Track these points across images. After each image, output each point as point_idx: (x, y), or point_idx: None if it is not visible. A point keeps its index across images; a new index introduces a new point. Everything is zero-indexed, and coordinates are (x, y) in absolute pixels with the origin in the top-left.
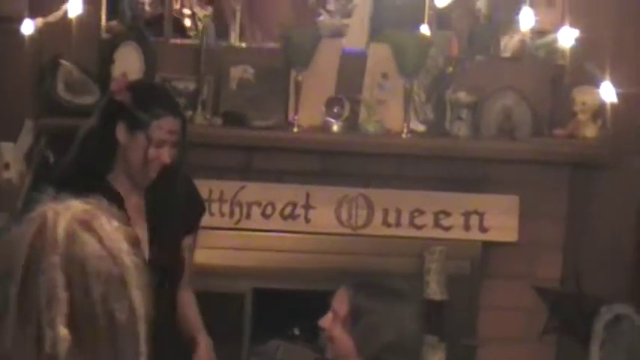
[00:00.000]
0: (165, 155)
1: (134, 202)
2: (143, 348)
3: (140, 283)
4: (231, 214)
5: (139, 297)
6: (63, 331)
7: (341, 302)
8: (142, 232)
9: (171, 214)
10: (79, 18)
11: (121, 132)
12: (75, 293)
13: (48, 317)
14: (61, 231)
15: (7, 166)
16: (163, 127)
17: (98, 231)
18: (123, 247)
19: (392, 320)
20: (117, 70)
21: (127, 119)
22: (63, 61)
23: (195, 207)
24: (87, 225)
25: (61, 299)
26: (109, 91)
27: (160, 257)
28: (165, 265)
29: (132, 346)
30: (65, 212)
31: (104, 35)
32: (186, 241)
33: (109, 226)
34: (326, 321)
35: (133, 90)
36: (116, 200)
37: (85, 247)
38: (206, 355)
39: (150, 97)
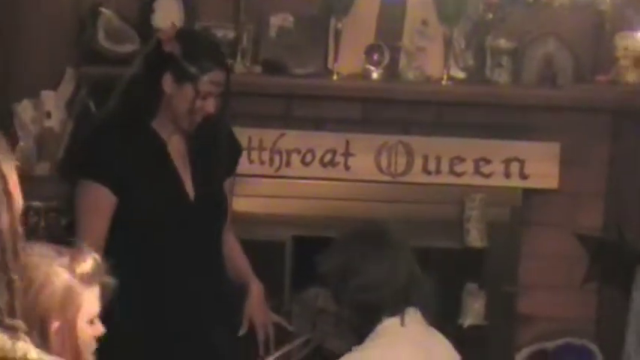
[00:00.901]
0: (211, 106)
1: (177, 145)
2: None
3: None
4: (271, 161)
5: None
6: None
7: None
8: (186, 174)
9: (214, 157)
10: None
11: (167, 82)
12: None
13: None
14: None
15: (48, 114)
16: (211, 80)
17: None
18: None
19: (356, 262)
20: (157, 19)
21: (174, 70)
22: (103, 9)
23: (234, 150)
24: None
25: None
26: (154, 40)
27: (205, 198)
28: (211, 206)
29: None
30: None
31: None
32: (227, 183)
33: None
34: None
35: (181, 40)
36: (159, 145)
37: None
38: (259, 299)
39: (199, 49)
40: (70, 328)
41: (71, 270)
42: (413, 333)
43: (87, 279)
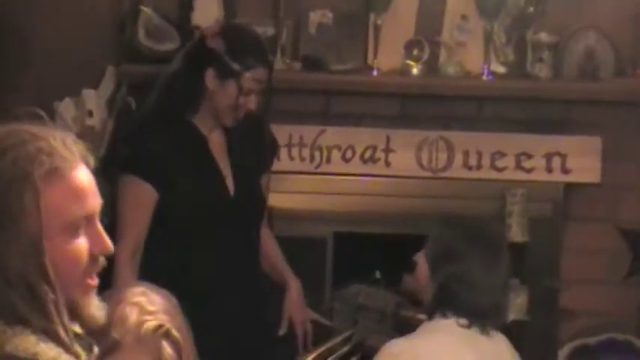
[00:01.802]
0: (253, 102)
1: (216, 140)
2: None
3: None
4: (312, 158)
5: None
6: None
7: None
8: (226, 169)
9: (253, 153)
10: None
11: (210, 78)
12: None
13: None
14: None
15: (90, 113)
16: (254, 77)
17: None
18: None
19: (462, 253)
20: (196, 16)
21: (217, 66)
22: (143, 8)
23: (272, 146)
24: None
25: None
26: (197, 36)
27: (244, 193)
28: (250, 200)
29: None
30: None
31: None
32: (264, 179)
33: None
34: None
35: (225, 37)
36: (201, 140)
37: None
38: (298, 297)
39: (242, 45)
40: None
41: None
42: (469, 335)
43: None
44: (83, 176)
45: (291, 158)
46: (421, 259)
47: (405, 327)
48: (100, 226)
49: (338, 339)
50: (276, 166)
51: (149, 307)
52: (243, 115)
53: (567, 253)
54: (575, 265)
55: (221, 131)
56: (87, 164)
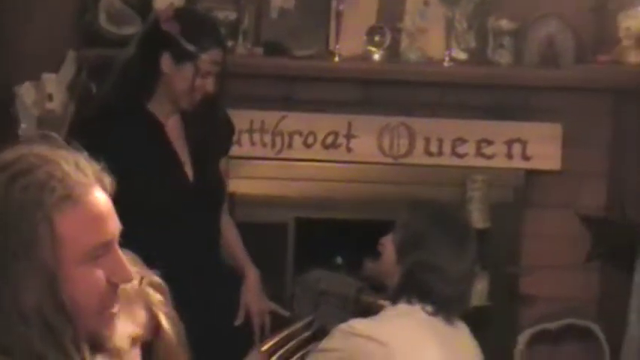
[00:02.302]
0: (210, 84)
1: (173, 127)
2: None
3: None
4: (273, 144)
5: None
6: None
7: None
8: (184, 155)
9: (211, 137)
10: None
11: (166, 62)
12: None
13: None
14: None
15: (50, 97)
16: (211, 58)
17: None
18: None
19: (431, 241)
20: (158, 1)
21: (173, 50)
22: None
23: (228, 130)
24: None
25: None
26: (150, 20)
27: (204, 179)
28: (210, 186)
29: None
30: None
31: None
32: (222, 163)
33: None
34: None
35: (180, 20)
36: (157, 127)
37: None
38: (255, 286)
39: (197, 28)
40: None
41: None
42: (434, 322)
43: None
44: (99, 200)
45: (253, 144)
46: (387, 244)
47: (366, 312)
48: (119, 253)
49: (299, 324)
50: (237, 151)
51: None
52: (199, 99)
53: (528, 239)
54: (536, 250)
55: (177, 117)
56: (102, 186)
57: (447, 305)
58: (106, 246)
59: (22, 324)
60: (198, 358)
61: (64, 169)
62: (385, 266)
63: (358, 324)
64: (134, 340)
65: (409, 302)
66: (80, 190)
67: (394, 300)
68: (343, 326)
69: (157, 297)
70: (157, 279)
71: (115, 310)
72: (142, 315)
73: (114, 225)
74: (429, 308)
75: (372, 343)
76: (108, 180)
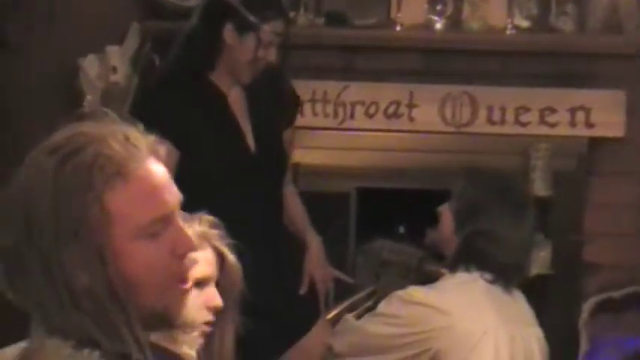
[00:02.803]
0: (272, 54)
1: (236, 97)
2: None
3: None
4: (335, 114)
5: None
6: None
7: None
8: (246, 126)
9: (273, 108)
10: None
11: (228, 33)
12: None
13: None
14: None
15: (114, 69)
16: (273, 29)
17: None
18: None
19: (488, 209)
20: None
21: (235, 21)
22: None
23: (293, 101)
24: None
25: None
26: None
27: (265, 150)
28: (271, 157)
29: None
30: None
31: None
32: (287, 134)
33: None
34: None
35: None
36: (220, 97)
37: None
38: (318, 254)
39: None
40: None
41: None
42: (492, 290)
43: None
44: (152, 173)
45: (315, 114)
46: (445, 213)
47: (428, 281)
48: (179, 223)
49: (361, 294)
50: (299, 121)
51: None
52: (262, 70)
53: (591, 207)
54: (599, 218)
55: (240, 88)
56: (157, 158)
57: (505, 273)
58: (165, 219)
59: (75, 307)
60: (265, 326)
61: (113, 145)
62: (443, 235)
63: (417, 292)
64: (208, 280)
65: (467, 270)
66: (131, 166)
67: (452, 269)
68: (401, 293)
69: (214, 232)
70: (208, 216)
71: (187, 285)
72: (209, 253)
73: (171, 197)
74: (488, 276)
75: (431, 311)
76: (164, 151)
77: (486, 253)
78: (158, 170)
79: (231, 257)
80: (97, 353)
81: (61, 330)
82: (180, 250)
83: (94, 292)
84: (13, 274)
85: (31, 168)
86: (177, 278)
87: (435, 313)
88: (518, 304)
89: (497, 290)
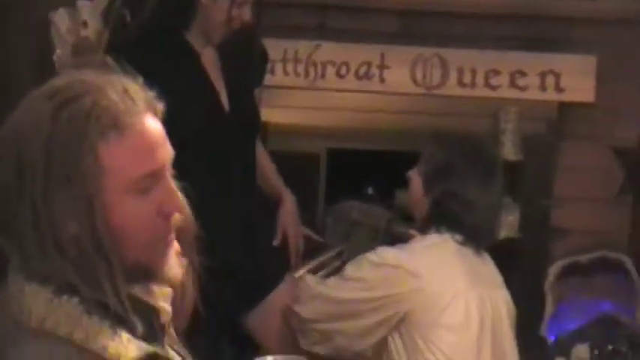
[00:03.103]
0: (247, 14)
1: (209, 56)
2: None
3: None
4: (306, 73)
5: None
6: None
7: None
8: (220, 85)
9: (246, 67)
10: None
11: None
12: None
13: None
14: None
15: (84, 24)
16: None
17: None
18: None
19: (457, 171)
20: None
21: None
22: None
23: (262, 59)
24: None
25: None
26: None
27: (238, 108)
28: (245, 116)
29: None
30: None
31: None
32: (256, 92)
33: None
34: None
35: None
36: (194, 57)
37: None
38: (292, 210)
39: None
40: None
41: None
42: (463, 251)
43: None
44: (147, 128)
45: (286, 73)
46: (415, 176)
47: (397, 243)
48: (170, 182)
49: (330, 254)
50: (270, 81)
51: None
52: (235, 29)
53: (560, 172)
54: (568, 183)
55: (213, 48)
56: (154, 113)
57: (475, 235)
58: (156, 175)
59: (58, 253)
60: (239, 280)
61: (111, 96)
62: (413, 198)
63: (387, 253)
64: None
65: (438, 232)
66: (127, 119)
67: (423, 230)
68: (371, 256)
69: None
70: None
71: (170, 241)
72: None
73: (164, 153)
74: (458, 237)
75: (401, 273)
76: (160, 107)
77: (456, 214)
78: (153, 126)
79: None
80: (75, 299)
81: (40, 275)
82: (167, 209)
83: (81, 241)
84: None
85: (27, 111)
86: (161, 235)
87: (405, 274)
88: (488, 267)
89: (467, 252)
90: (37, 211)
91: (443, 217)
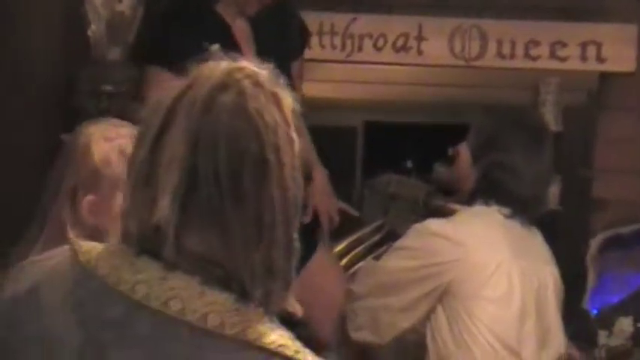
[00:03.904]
0: None
1: (240, 28)
2: None
3: None
4: (343, 46)
5: None
6: None
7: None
8: (251, 58)
9: (280, 39)
10: None
11: None
12: None
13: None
14: None
15: None
16: None
17: None
18: None
19: (506, 142)
20: None
21: None
22: None
23: (301, 32)
24: None
25: None
26: None
27: None
28: None
29: None
30: None
31: None
32: (295, 66)
33: None
34: None
35: None
36: (224, 28)
37: None
38: (323, 186)
39: None
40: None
41: (110, 140)
42: (509, 224)
43: None
44: None
45: (322, 46)
46: (463, 149)
47: (435, 216)
48: None
49: (368, 228)
50: (306, 54)
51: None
52: (269, 1)
53: (601, 143)
54: (609, 154)
55: (245, 19)
56: None
57: (523, 207)
58: None
59: None
60: None
61: None
62: (461, 170)
63: (433, 223)
64: None
65: (486, 204)
66: None
67: (471, 202)
68: (418, 225)
69: None
70: None
71: None
72: None
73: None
74: (506, 211)
75: (446, 242)
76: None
77: (504, 184)
78: None
79: None
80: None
81: None
82: None
83: None
84: None
85: None
86: None
87: (449, 244)
88: (536, 241)
89: (514, 225)
90: None
91: (490, 188)
